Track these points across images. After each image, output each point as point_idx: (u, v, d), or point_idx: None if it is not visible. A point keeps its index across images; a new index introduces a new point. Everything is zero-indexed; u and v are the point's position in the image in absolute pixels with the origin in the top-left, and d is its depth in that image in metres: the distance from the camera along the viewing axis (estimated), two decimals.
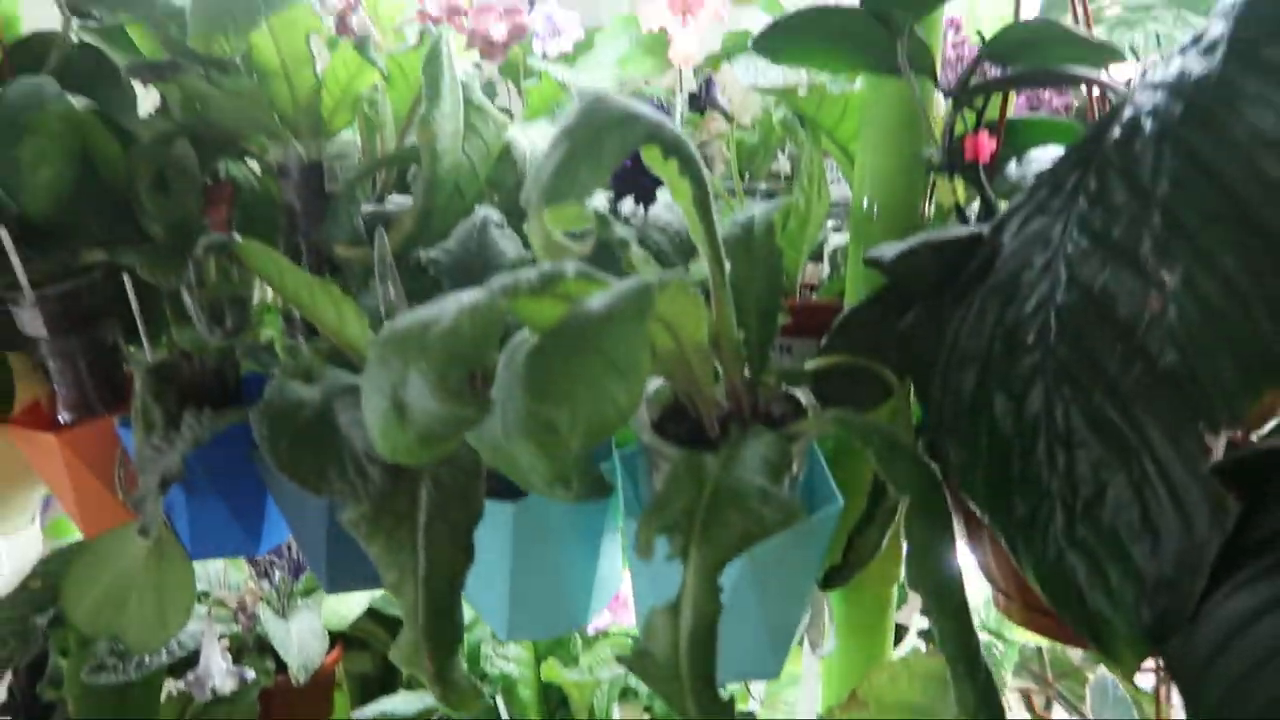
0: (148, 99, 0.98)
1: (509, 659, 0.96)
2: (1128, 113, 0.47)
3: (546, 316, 0.45)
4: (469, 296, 0.43)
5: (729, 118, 0.82)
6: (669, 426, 0.59)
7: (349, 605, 1.16)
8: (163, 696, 1.05)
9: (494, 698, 0.95)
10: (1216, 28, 0.43)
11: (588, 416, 0.41)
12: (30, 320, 0.82)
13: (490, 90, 1.01)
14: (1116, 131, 0.47)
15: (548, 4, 1.05)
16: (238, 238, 0.59)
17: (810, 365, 0.59)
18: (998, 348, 0.50)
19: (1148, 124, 0.45)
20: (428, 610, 0.56)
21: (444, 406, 0.40)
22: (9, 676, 1.13)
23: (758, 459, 0.49)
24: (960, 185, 0.60)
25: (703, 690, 0.46)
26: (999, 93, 0.62)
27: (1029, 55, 0.59)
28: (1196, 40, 0.45)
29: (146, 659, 0.92)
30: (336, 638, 1.19)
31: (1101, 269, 0.44)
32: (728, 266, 0.58)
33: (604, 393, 0.40)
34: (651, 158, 0.50)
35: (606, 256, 0.59)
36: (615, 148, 0.45)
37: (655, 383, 0.60)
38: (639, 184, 0.72)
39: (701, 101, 0.77)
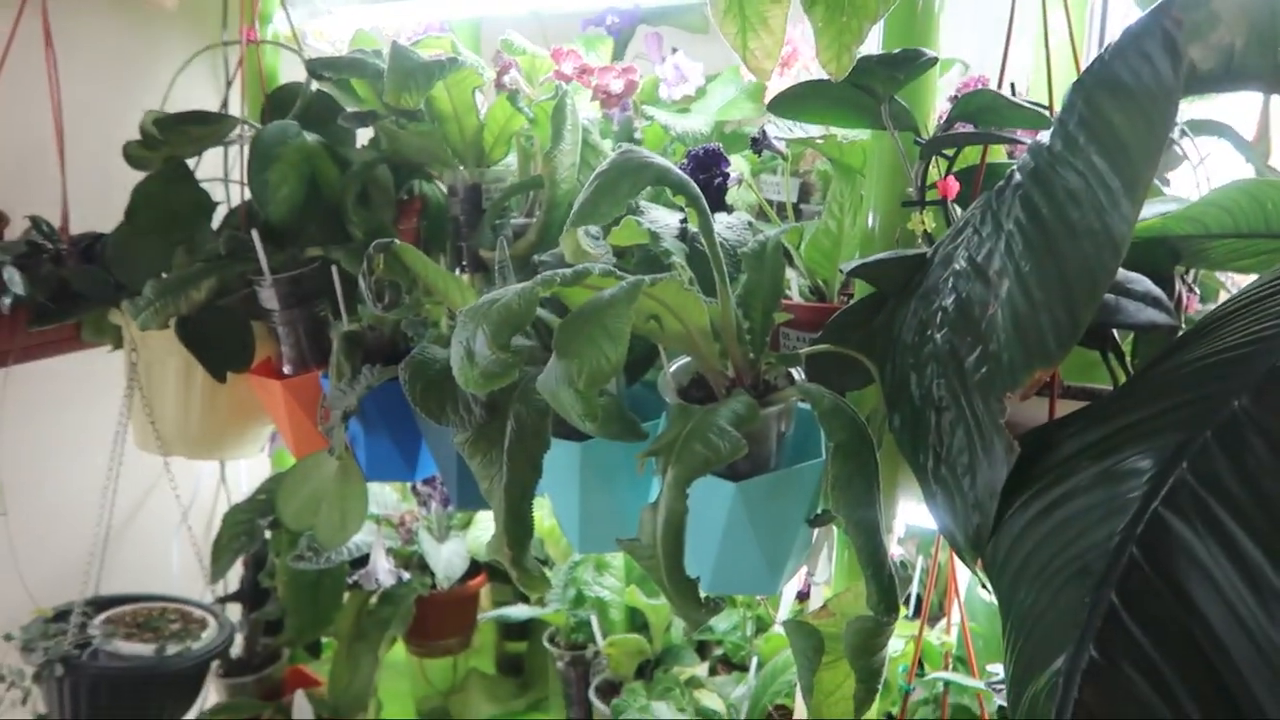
0: (365, 132, 1.24)
1: (604, 587, 1.16)
2: (1015, 165, 0.61)
3: (579, 299, 0.64)
4: (521, 285, 0.62)
5: (785, 157, 0.97)
6: (693, 392, 0.76)
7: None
8: (345, 596, 1.31)
9: (590, 616, 1.14)
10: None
11: (589, 367, 0.59)
12: (267, 298, 1.09)
13: (630, 125, 1.21)
14: (1004, 181, 0.61)
15: (676, 56, 1.24)
16: (398, 241, 0.81)
17: (804, 351, 0.75)
18: (916, 339, 0.64)
19: (1016, 176, 0.59)
20: (507, 511, 0.76)
21: (495, 355, 0.60)
22: (240, 571, 1.42)
23: (729, 412, 0.66)
24: (930, 216, 0.74)
25: (673, 568, 0.63)
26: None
27: (988, 117, 0.73)
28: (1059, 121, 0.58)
29: (333, 555, 1.18)
30: (484, 567, 1.42)
31: (970, 282, 0.58)
32: (744, 275, 0.75)
33: (600, 350, 0.59)
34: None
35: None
36: (629, 187, 0.63)
37: (682, 360, 0.77)
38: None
39: (759, 145, 0.93)
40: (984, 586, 0.98)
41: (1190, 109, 0.98)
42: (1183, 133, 0.86)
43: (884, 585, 0.63)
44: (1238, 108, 0.95)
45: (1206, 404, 0.44)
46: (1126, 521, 0.42)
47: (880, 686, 0.68)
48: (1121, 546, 0.42)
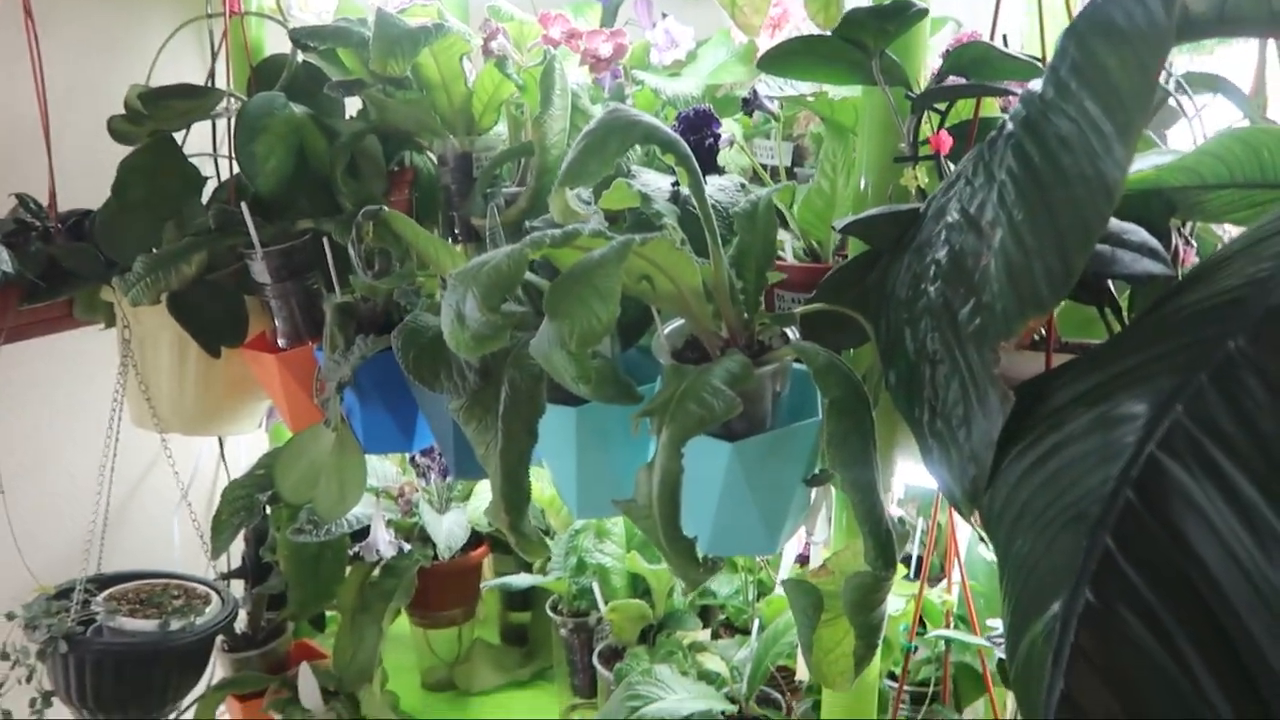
0: (354, 104, 1.23)
1: (605, 554, 1.16)
2: (1007, 115, 0.60)
3: (569, 260, 0.63)
4: (511, 246, 0.61)
5: (776, 118, 0.96)
6: (687, 354, 0.76)
7: None
8: (347, 569, 1.32)
9: (592, 583, 1.14)
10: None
11: (580, 328, 0.58)
12: (259, 271, 1.08)
13: (621, 91, 1.20)
14: (996, 131, 0.60)
15: (667, 21, 1.22)
16: (386, 208, 0.80)
17: (797, 311, 0.74)
18: (910, 294, 0.64)
19: (1008, 125, 0.58)
20: (504, 477, 0.76)
21: (485, 318, 0.59)
22: (242, 546, 1.43)
23: (723, 371, 0.65)
24: (923, 172, 0.73)
25: (669, 527, 0.63)
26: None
27: (981, 69, 0.72)
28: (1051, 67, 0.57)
29: (332, 527, 1.18)
30: (486, 538, 1.43)
31: (962, 234, 0.58)
32: (736, 236, 0.74)
33: (591, 311, 0.58)
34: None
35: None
36: (617, 145, 0.62)
37: (676, 322, 0.77)
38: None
39: (750, 105, 0.92)
40: (982, 540, 0.98)
41: (1190, 64, 0.97)
42: (1178, 86, 0.85)
43: (881, 540, 0.63)
44: (1234, 63, 0.94)
45: (1202, 347, 0.44)
46: (1121, 466, 0.42)
47: (879, 642, 0.69)
48: (1116, 491, 0.41)
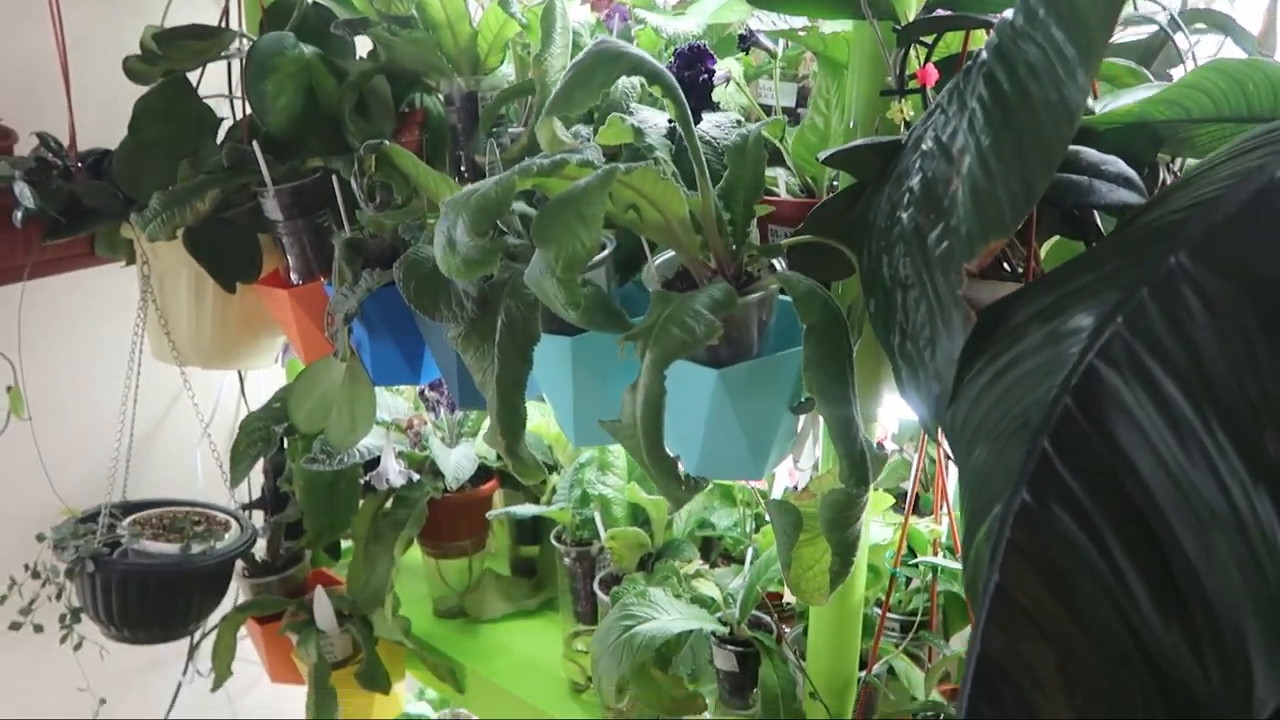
0: (366, 46, 1.24)
1: (607, 485, 1.19)
2: (983, 45, 0.61)
3: (559, 189, 0.65)
4: (500, 174, 0.63)
5: (774, 55, 0.97)
6: (677, 284, 0.78)
7: None
8: (360, 502, 1.36)
9: (594, 512, 1.18)
10: None
11: (565, 253, 0.61)
12: (271, 208, 1.10)
13: (628, 33, 1.20)
14: (971, 61, 0.61)
15: None
16: (388, 143, 0.82)
17: (784, 243, 0.76)
18: (887, 223, 0.65)
19: (982, 54, 0.59)
20: (500, 402, 0.78)
21: (475, 243, 0.61)
22: (261, 479, 1.48)
23: (707, 298, 0.67)
24: (910, 105, 0.74)
25: (652, 446, 0.66)
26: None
27: (966, 1, 0.72)
28: None
29: (344, 457, 1.22)
30: (496, 472, 1.47)
31: (935, 161, 0.59)
32: (728, 169, 0.76)
33: (575, 236, 0.60)
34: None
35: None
36: (603, 77, 0.64)
37: (668, 254, 0.79)
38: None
39: (746, 43, 0.92)
40: (947, 457, 1.00)
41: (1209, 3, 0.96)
42: (1174, 25, 0.85)
43: (855, 460, 0.65)
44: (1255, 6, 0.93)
45: (1147, 263, 0.45)
46: (1064, 375, 0.44)
47: (854, 558, 0.71)
48: (1057, 399, 0.43)
